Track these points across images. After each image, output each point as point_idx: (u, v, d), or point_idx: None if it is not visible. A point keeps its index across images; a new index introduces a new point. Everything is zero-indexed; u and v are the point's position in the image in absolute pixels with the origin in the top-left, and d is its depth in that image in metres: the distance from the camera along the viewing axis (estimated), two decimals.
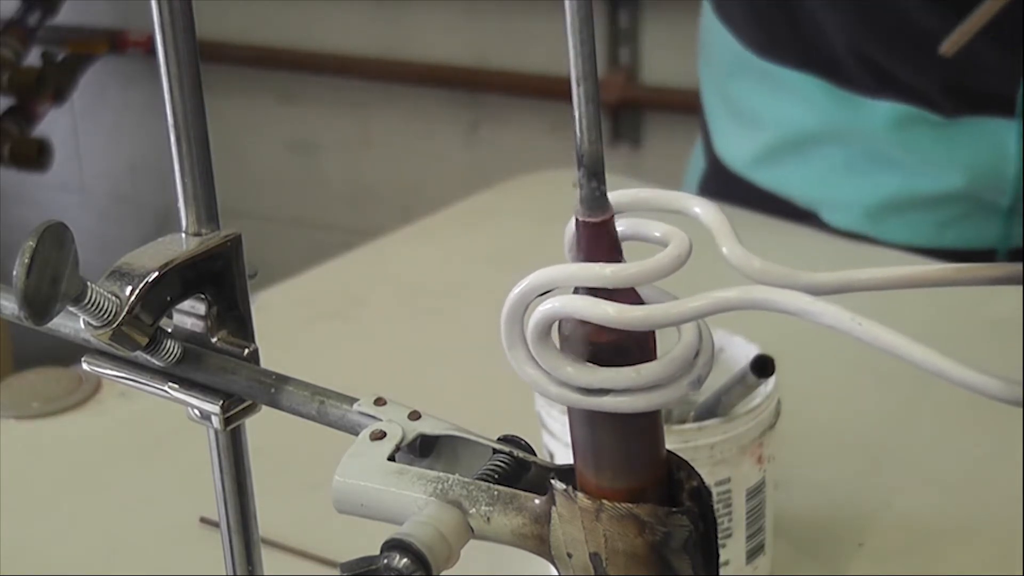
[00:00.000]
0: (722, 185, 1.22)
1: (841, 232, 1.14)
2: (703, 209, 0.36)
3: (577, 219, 0.35)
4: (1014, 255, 1.11)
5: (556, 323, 0.35)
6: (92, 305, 0.41)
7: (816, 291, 0.34)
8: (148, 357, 0.44)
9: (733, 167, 1.20)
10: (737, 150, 1.20)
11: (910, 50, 1.08)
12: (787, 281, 0.34)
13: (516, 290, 0.35)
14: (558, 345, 0.36)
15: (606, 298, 0.34)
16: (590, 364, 0.35)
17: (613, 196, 0.35)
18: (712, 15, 1.19)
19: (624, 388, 0.35)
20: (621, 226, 0.36)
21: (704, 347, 0.36)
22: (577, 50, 0.33)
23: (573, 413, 0.37)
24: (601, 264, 0.34)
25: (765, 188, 1.18)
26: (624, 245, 0.36)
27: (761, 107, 1.17)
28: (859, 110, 1.10)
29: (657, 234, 0.36)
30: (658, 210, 0.37)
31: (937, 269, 0.35)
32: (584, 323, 0.35)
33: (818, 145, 1.14)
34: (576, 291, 0.35)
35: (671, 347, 0.36)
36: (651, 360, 0.35)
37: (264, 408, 0.46)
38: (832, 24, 1.09)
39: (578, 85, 0.34)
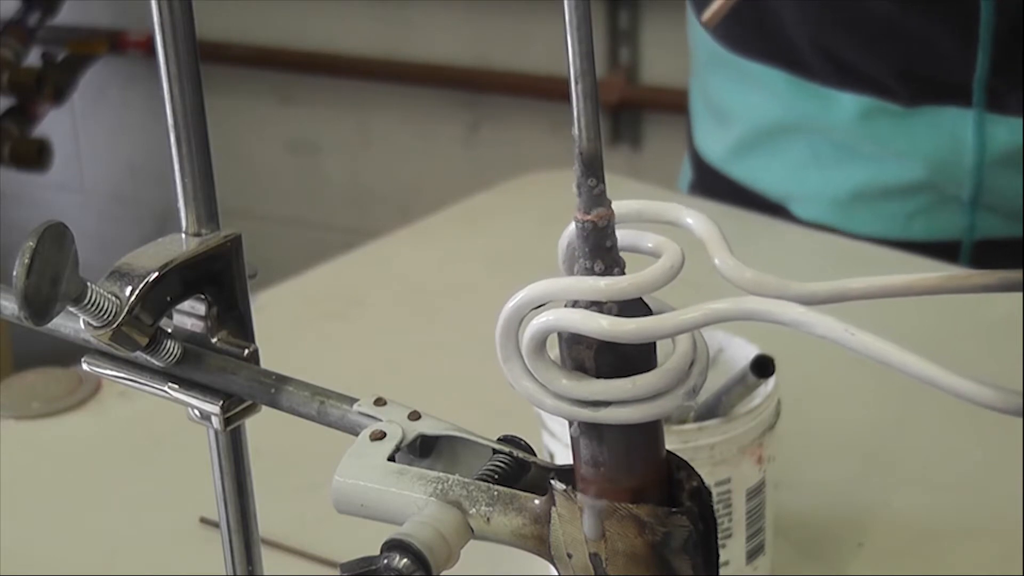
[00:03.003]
0: (704, 180, 1.23)
1: (810, 224, 1.14)
2: (695, 220, 0.37)
3: (576, 218, 0.35)
4: (979, 247, 1.11)
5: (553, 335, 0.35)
6: (92, 305, 0.41)
7: (809, 301, 0.34)
8: (148, 357, 0.44)
9: (711, 162, 1.22)
10: (713, 144, 1.22)
11: (868, 39, 1.08)
12: (780, 291, 0.34)
13: (510, 304, 0.35)
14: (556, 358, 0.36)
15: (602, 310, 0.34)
16: (586, 376, 0.35)
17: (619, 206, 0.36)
18: (691, 12, 1.21)
19: (620, 400, 0.35)
20: (617, 236, 0.36)
21: (699, 357, 0.36)
22: (575, 48, 0.33)
23: None
24: (595, 278, 0.34)
25: (739, 181, 1.19)
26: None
27: (732, 101, 1.18)
28: (823, 102, 1.11)
29: (650, 245, 0.36)
30: (651, 221, 0.37)
31: (930, 278, 0.35)
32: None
33: (785, 138, 1.15)
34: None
35: (667, 356, 0.36)
36: (652, 367, 0.35)
37: (264, 408, 0.46)
38: (794, 16, 1.10)
39: (576, 83, 0.34)
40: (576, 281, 0.35)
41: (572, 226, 0.36)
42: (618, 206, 0.36)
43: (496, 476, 0.39)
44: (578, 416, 0.35)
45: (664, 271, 0.35)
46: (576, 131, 0.34)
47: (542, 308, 0.35)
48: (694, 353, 0.36)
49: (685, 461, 0.38)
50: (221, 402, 0.45)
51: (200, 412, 0.46)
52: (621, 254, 0.36)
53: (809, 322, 0.33)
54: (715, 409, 0.70)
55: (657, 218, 0.38)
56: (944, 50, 1.06)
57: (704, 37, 1.18)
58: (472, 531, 0.38)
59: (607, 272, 0.35)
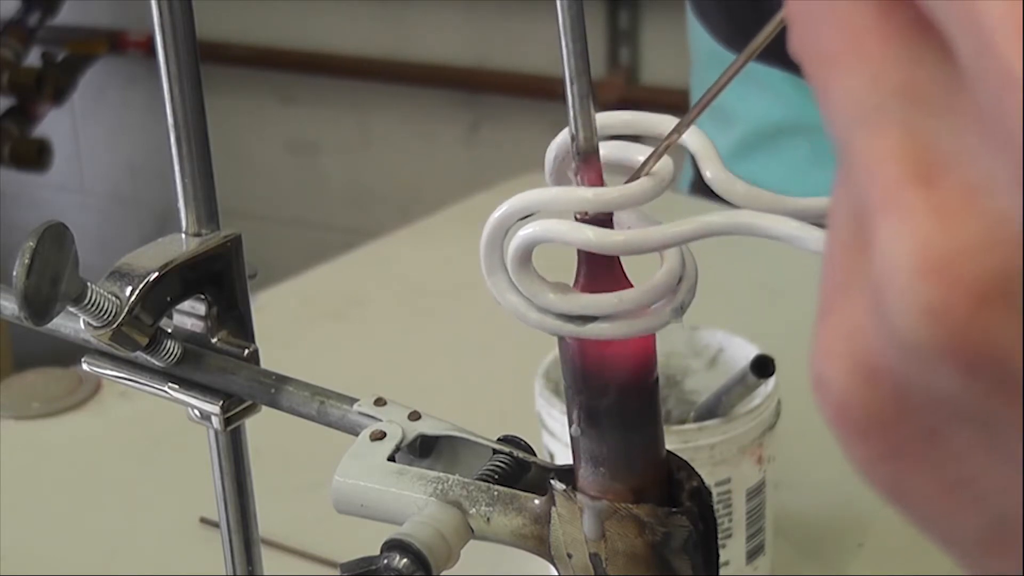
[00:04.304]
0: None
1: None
2: (687, 134, 0.36)
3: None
4: None
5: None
6: (92, 305, 0.41)
7: (803, 216, 0.33)
8: (148, 357, 0.44)
9: None
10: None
11: None
12: (773, 206, 0.33)
13: (495, 215, 0.34)
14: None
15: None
16: (572, 290, 0.34)
17: (598, 119, 0.35)
18: (691, 12, 1.21)
19: (606, 315, 0.34)
20: (605, 149, 0.35)
21: (687, 273, 0.35)
22: (569, 48, 0.33)
23: (572, 411, 0.37)
24: (583, 187, 0.34)
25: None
26: (608, 170, 0.35)
27: (733, 102, 1.18)
28: None
29: (640, 158, 0.35)
30: (642, 134, 0.36)
31: None
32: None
33: (786, 138, 1.15)
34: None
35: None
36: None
37: (264, 408, 0.46)
38: None
39: (572, 83, 0.34)
40: (563, 191, 0.34)
41: (560, 136, 0.35)
42: (608, 116, 0.35)
43: (496, 476, 0.39)
44: (562, 331, 0.34)
45: (654, 182, 0.34)
46: (573, 131, 0.34)
47: (528, 219, 0.34)
48: (682, 269, 0.35)
49: (685, 461, 0.38)
50: (221, 402, 0.45)
51: (200, 412, 0.46)
52: (610, 166, 0.35)
53: (802, 236, 0.32)
54: (715, 409, 0.70)
55: (648, 132, 0.36)
56: None
57: (704, 37, 1.18)
58: (472, 531, 0.38)
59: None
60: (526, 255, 0.34)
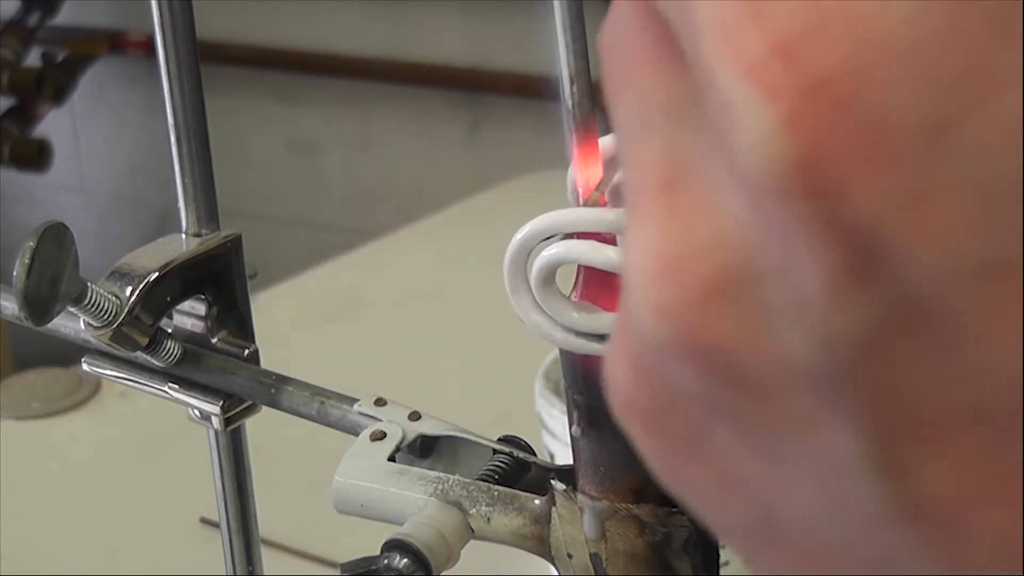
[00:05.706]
0: None
1: None
2: None
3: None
4: None
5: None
6: (92, 305, 0.41)
7: None
8: (148, 357, 0.44)
9: None
10: None
11: None
12: None
13: (518, 236, 0.35)
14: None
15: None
16: (595, 309, 0.35)
17: (601, 143, 0.35)
18: None
19: None
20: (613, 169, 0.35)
21: None
22: (568, 47, 0.33)
23: (572, 411, 0.37)
24: (604, 209, 0.34)
25: None
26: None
27: None
28: None
29: None
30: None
31: None
32: None
33: None
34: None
35: None
36: None
37: (264, 408, 0.46)
38: None
39: (571, 83, 0.34)
40: (585, 212, 0.34)
41: None
42: (612, 139, 0.35)
43: (496, 476, 0.39)
44: (587, 349, 0.35)
45: None
46: (571, 132, 0.34)
47: (550, 240, 0.35)
48: None
49: None
50: (221, 402, 0.45)
51: (200, 412, 0.46)
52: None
53: None
54: None
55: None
56: None
57: None
58: (472, 531, 0.38)
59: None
60: (549, 275, 0.34)
